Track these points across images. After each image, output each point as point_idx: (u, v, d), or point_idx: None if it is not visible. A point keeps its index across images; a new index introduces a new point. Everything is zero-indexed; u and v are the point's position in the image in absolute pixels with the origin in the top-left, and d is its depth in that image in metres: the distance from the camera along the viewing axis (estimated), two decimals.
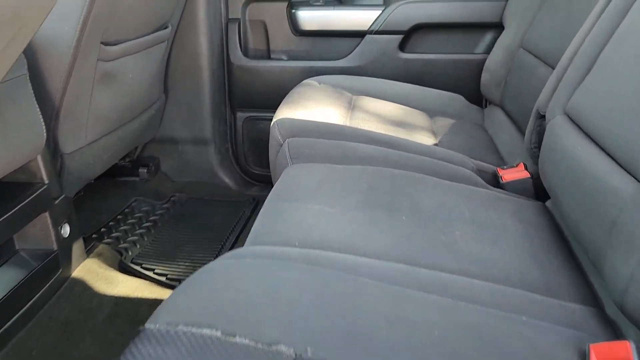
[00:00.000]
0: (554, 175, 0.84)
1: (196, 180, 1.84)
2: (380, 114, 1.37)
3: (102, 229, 1.51)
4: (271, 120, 1.26)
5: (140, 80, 1.46)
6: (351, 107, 1.39)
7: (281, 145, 1.08)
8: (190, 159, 1.83)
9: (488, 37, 1.64)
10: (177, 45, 1.67)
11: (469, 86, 1.63)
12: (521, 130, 1.27)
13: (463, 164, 1.07)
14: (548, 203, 0.97)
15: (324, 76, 1.58)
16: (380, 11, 1.62)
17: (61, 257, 1.16)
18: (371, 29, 1.64)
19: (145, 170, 1.78)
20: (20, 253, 1.13)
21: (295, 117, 1.20)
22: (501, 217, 0.84)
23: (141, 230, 1.53)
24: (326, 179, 0.89)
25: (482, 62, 1.62)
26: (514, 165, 1.06)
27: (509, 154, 1.25)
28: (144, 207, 1.67)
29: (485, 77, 1.51)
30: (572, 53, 0.94)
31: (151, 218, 1.60)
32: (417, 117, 1.41)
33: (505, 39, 1.45)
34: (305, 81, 1.53)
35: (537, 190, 1.01)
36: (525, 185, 1.01)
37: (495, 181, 1.06)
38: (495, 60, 1.47)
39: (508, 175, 1.04)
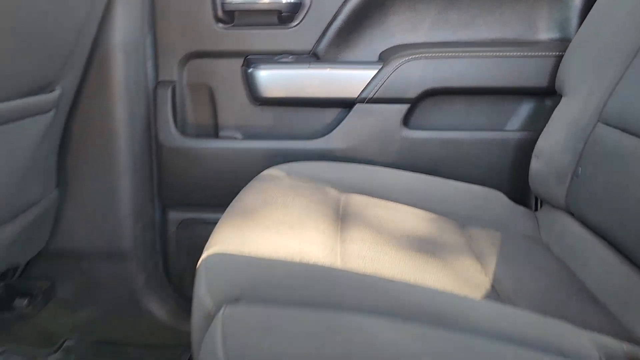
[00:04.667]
0: None
1: (109, 312, 1.25)
2: (388, 226, 0.84)
3: None
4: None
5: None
6: (340, 215, 0.86)
7: (211, 318, 0.52)
8: (100, 281, 1.25)
9: (530, 107, 1.17)
10: (78, 119, 1.14)
11: (506, 177, 1.14)
12: (627, 256, 0.76)
13: (582, 347, 0.53)
14: None
15: (296, 164, 1.06)
16: (377, 70, 1.13)
17: None
18: (363, 95, 1.14)
19: (26, 301, 1.18)
20: None
21: (245, 249, 0.65)
22: None
23: None
24: None
25: (524, 143, 1.13)
26: None
27: (616, 302, 0.72)
28: None
29: (537, 166, 1.01)
30: None
31: None
32: (444, 230, 0.88)
33: (569, 111, 0.97)
34: (266, 172, 1.01)
35: None
36: None
37: None
38: (553, 141, 0.98)
39: None
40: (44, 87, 0.97)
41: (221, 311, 0.51)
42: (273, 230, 0.71)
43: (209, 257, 0.61)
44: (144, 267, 1.26)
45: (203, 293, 0.54)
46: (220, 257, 0.61)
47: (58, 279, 1.25)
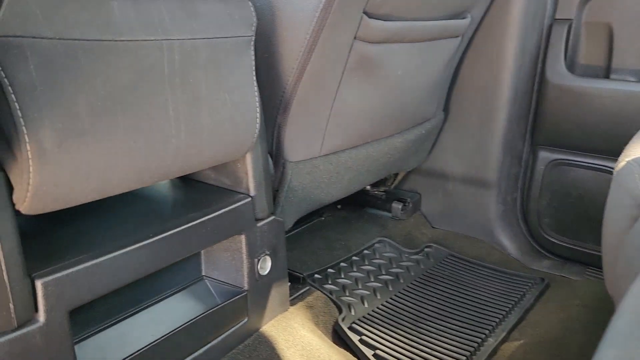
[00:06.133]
0: None
1: (463, 233, 1.37)
2: None
3: (329, 270, 1.16)
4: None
5: (414, 82, 1.07)
6: None
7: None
8: (460, 204, 1.36)
9: None
10: (472, 49, 1.24)
11: None
12: None
13: None
14: None
15: None
16: None
17: (251, 302, 0.82)
18: None
19: (400, 207, 1.39)
20: (205, 280, 0.83)
21: None
22: None
23: (376, 284, 1.13)
24: None
25: None
26: None
27: None
28: (388, 253, 1.27)
29: None
30: None
31: (393, 269, 1.19)
32: None
33: None
34: None
35: None
36: None
37: None
38: None
39: None
40: (459, 14, 1.09)
41: None
42: None
43: (631, 159, 0.61)
44: (503, 200, 1.32)
45: (634, 181, 0.55)
46: None
47: (425, 194, 1.42)
